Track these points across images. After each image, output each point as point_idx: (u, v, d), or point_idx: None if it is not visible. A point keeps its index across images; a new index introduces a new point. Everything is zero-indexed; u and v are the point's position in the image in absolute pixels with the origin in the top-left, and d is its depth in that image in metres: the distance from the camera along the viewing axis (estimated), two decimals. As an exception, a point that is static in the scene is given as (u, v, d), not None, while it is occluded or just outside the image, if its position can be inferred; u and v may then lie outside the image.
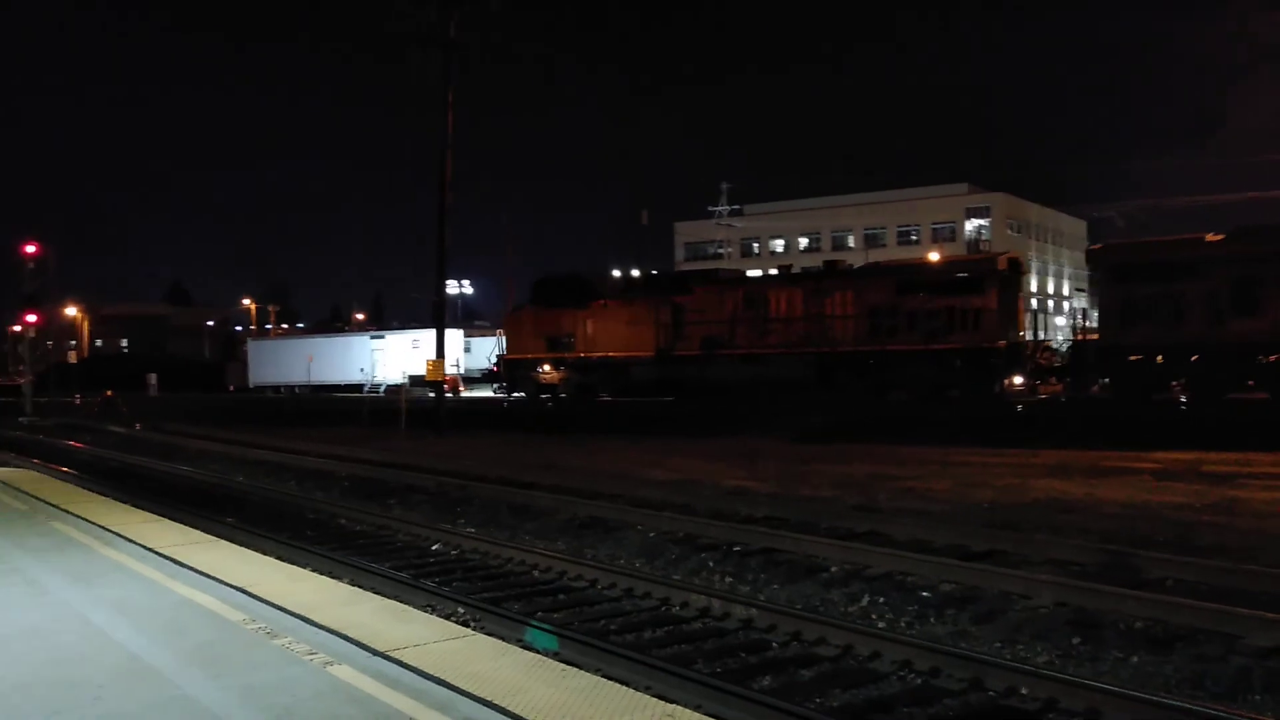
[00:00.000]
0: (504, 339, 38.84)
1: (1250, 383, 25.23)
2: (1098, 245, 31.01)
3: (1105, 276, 27.70)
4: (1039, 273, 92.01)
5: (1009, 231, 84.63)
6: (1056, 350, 30.18)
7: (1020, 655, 7.49)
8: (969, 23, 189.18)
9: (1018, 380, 29.12)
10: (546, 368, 37.57)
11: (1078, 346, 29.27)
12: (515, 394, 38.82)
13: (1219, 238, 26.15)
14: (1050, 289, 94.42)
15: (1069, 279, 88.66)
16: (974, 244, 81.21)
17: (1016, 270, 30.29)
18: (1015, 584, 8.91)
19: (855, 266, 33.27)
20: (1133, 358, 26.25)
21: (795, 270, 35.01)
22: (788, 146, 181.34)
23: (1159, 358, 25.92)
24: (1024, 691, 6.36)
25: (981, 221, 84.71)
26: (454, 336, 50.12)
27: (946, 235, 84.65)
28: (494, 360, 40.11)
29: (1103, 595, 8.30)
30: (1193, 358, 25.25)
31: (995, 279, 28.83)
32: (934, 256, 41.76)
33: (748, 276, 37.19)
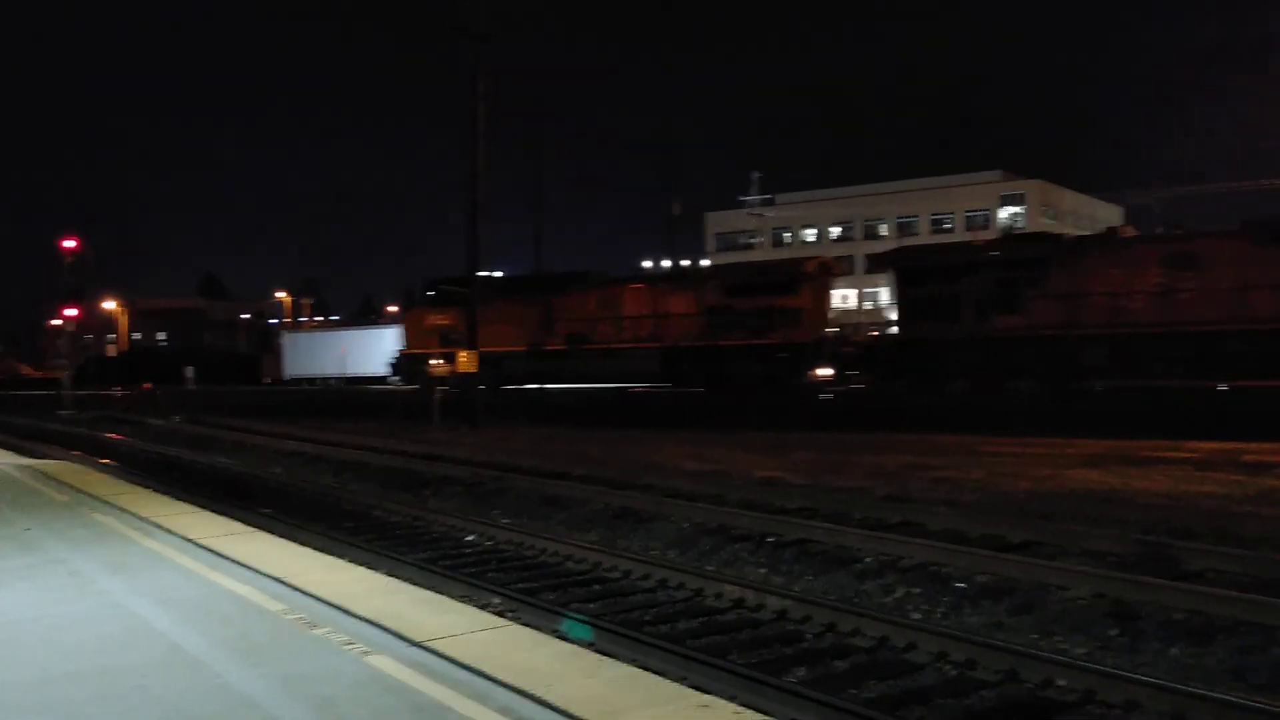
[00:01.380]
0: (404, 335, 42.85)
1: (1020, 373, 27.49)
2: (891, 249, 34.18)
3: (898, 277, 30.72)
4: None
5: (1044, 219, 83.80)
6: (867, 343, 33.08)
7: (1057, 647, 7.45)
8: (1012, 10, 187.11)
9: (827, 371, 31.65)
10: (438, 361, 40.35)
11: (873, 341, 32.36)
12: (410, 385, 42.41)
13: (985, 242, 29.18)
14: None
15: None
16: (1008, 231, 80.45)
17: (826, 271, 33.70)
18: (1052, 575, 8.85)
19: (696, 268, 36.47)
20: (922, 351, 28.88)
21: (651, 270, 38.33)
22: (821, 136, 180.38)
23: (940, 351, 28.47)
24: (1061, 683, 6.32)
25: (1016, 209, 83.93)
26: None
27: (980, 223, 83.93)
28: (395, 355, 44.47)
29: (1141, 587, 8.22)
30: (966, 351, 27.93)
31: (807, 280, 31.96)
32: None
33: (609, 278, 40.46)
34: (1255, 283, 24.02)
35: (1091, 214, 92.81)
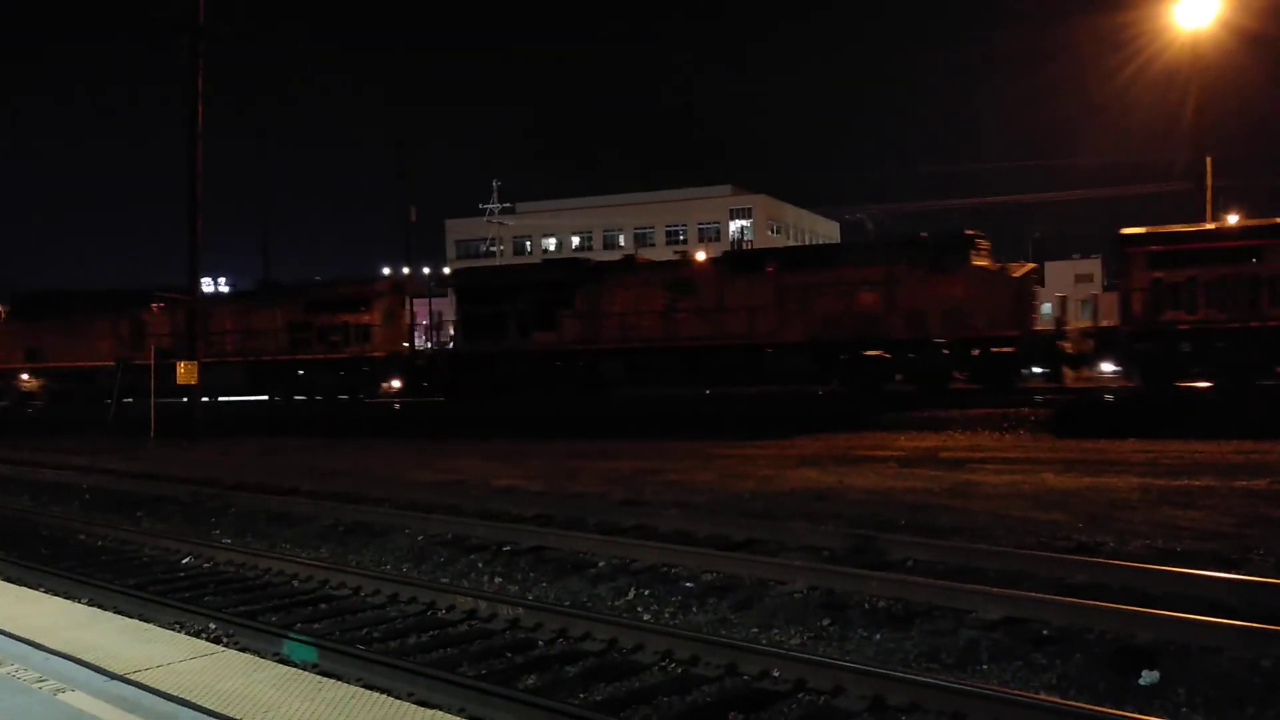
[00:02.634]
0: None
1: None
2: (451, 272, 38.78)
3: (456, 297, 34.34)
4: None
5: (769, 232, 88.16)
6: (431, 357, 36.84)
7: (775, 639, 7.83)
8: (731, 33, 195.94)
9: (396, 383, 35.03)
10: (26, 377, 41.40)
11: (436, 354, 35.95)
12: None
13: (527, 266, 33.84)
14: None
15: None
16: (738, 243, 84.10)
17: (400, 291, 37.13)
18: (771, 571, 9.31)
19: (280, 286, 39.17)
20: (478, 364, 32.44)
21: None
22: (562, 147, 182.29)
23: (491, 364, 32.27)
24: (776, 674, 6.65)
25: (744, 222, 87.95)
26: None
27: (712, 235, 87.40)
28: None
29: (849, 578, 8.80)
30: (513, 363, 31.81)
31: (379, 298, 35.15)
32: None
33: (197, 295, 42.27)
34: (729, 305, 28.77)
35: (811, 228, 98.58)
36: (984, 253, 27.34)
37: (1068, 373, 26.48)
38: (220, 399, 35.89)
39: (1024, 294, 26.61)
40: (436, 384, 33.86)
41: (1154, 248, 25.09)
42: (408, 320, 37.36)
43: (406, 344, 36.30)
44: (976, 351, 26.16)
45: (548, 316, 31.08)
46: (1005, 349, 25.82)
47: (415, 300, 40.25)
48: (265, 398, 36.76)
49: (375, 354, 34.55)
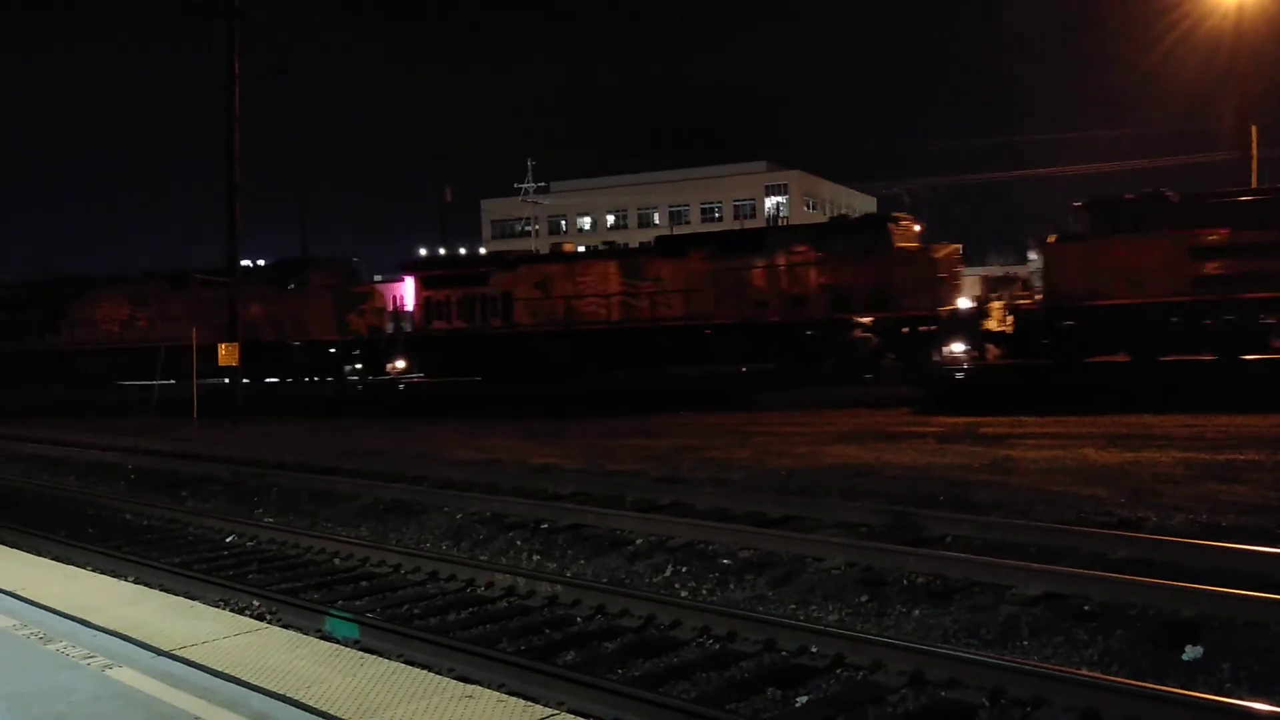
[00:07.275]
0: None
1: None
2: None
3: None
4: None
5: (805, 208, 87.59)
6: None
7: (812, 615, 7.83)
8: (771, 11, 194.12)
9: None
10: None
11: None
12: None
13: (42, 281, 42.10)
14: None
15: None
16: (773, 219, 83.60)
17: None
18: (809, 547, 9.29)
19: None
20: (6, 361, 40.90)
21: None
22: (594, 125, 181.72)
23: (13, 361, 40.67)
24: (814, 650, 6.64)
25: (780, 198, 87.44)
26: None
27: (748, 212, 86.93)
28: None
29: (888, 554, 8.76)
30: (28, 360, 41.05)
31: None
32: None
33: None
34: (171, 315, 36.90)
35: (849, 203, 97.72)
36: (329, 274, 35.93)
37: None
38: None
39: (352, 306, 34.66)
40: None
41: (424, 273, 33.73)
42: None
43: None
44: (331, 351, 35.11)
45: (54, 323, 39.60)
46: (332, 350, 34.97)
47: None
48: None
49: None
